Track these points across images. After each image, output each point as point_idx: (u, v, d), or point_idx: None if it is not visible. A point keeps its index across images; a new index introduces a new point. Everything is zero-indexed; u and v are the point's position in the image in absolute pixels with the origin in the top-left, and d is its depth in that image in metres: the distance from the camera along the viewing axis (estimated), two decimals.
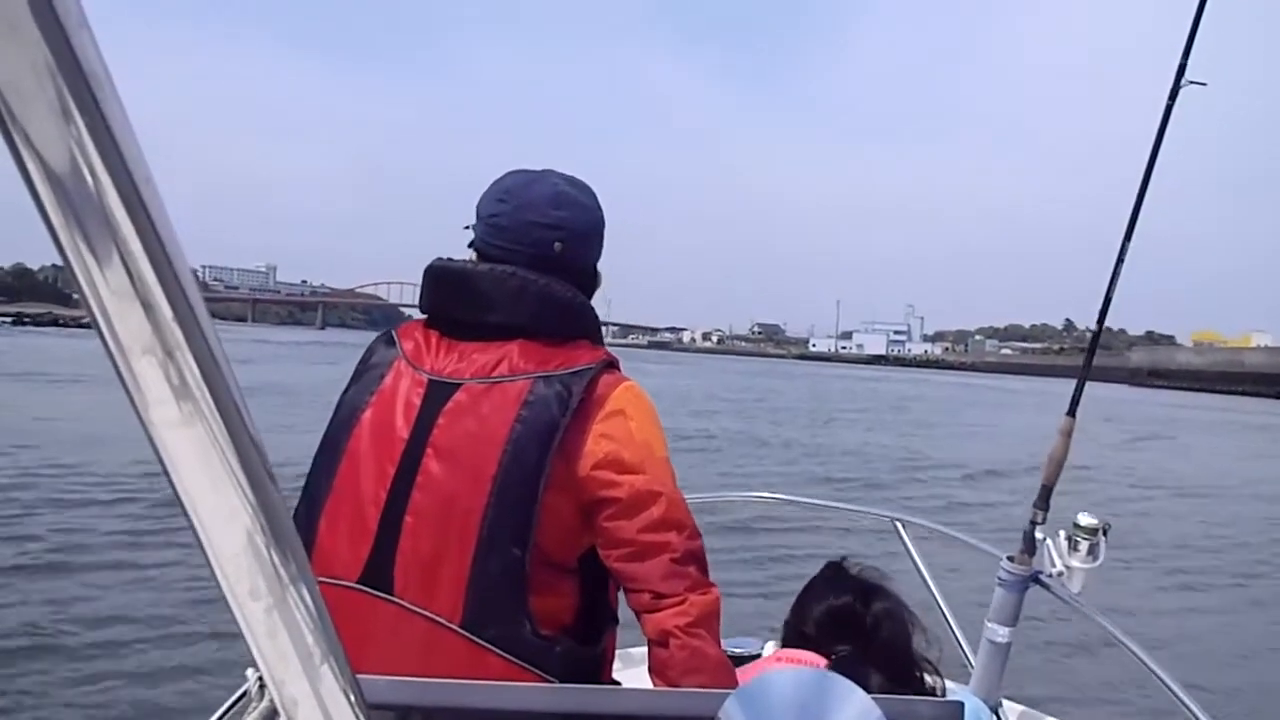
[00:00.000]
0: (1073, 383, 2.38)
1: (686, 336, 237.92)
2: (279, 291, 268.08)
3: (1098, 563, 2.13)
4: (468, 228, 1.66)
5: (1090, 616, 2.16)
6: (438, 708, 0.96)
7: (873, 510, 3.46)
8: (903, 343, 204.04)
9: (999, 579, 2.26)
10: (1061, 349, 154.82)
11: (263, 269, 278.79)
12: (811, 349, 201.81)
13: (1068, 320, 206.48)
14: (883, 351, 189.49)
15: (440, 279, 1.59)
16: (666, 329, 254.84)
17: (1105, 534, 2.13)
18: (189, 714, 4.13)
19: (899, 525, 2.85)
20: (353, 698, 0.45)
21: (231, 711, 1.62)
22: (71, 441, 12.21)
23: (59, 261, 0.37)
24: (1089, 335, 2.51)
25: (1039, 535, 2.23)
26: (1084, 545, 2.13)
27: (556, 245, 1.57)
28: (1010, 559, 2.25)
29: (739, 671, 1.73)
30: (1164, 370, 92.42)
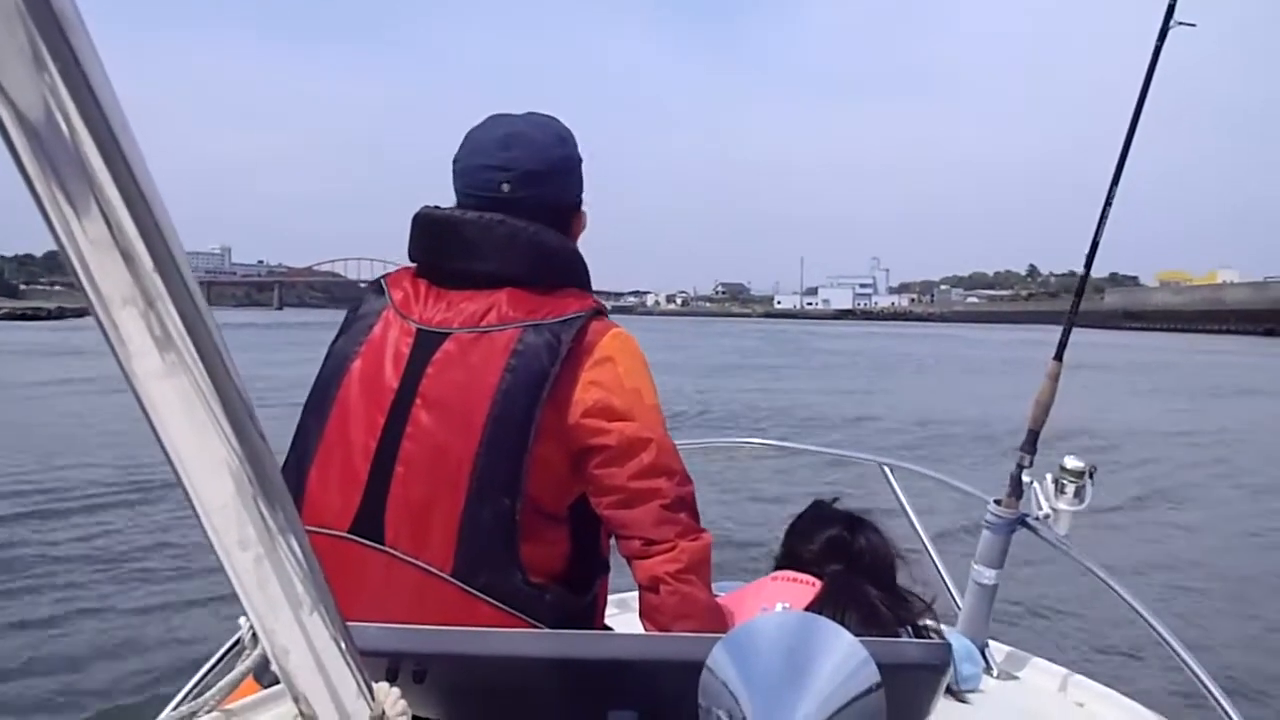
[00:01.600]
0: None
1: (650, 300, 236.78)
2: (235, 273, 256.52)
3: (1083, 505, 2.15)
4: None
5: (1075, 558, 2.18)
6: (429, 654, 0.96)
7: (860, 455, 3.48)
8: (869, 296, 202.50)
9: (986, 522, 2.28)
10: (1030, 295, 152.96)
11: (217, 251, 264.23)
12: (777, 306, 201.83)
13: (1031, 266, 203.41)
14: (849, 306, 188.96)
15: (427, 227, 1.57)
16: (630, 293, 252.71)
17: (1091, 476, 2.15)
18: (183, 663, 4.16)
19: (886, 470, 2.85)
20: (343, 645, 0.46)
21: (224, 660, 1.63)
22: None
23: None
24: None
25: (1026, 478, 2.24)
26: (1070, 488, 2.15)
27: (504, 186, 1.55)
28: (997, 502, 2.27)
29: (737, 591, 1.76)
30: (1139, 312, 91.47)
